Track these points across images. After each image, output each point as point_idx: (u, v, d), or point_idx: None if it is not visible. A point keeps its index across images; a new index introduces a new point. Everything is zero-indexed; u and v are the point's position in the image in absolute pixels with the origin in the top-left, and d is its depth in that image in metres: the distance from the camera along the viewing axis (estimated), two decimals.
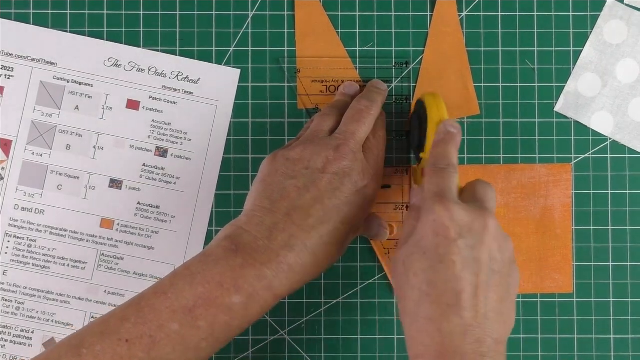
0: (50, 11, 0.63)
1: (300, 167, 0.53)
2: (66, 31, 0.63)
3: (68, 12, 0.63)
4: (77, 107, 0.63)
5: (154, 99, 0.63)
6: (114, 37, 0.63)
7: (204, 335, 0.50)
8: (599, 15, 0.63)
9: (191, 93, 0.64)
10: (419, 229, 0.50)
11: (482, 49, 0.64)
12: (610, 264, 0.64)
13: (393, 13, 0.63)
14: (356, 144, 0.55)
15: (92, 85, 0.63)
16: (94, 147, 0.63)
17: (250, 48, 0.64)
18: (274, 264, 0.51)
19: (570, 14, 0.64)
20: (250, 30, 0.64)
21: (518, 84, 0.64)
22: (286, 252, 0.51)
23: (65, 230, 0.63)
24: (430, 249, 0.49)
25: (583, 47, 0.64)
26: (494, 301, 0.48)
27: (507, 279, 0.50)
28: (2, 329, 0.63)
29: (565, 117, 0.64)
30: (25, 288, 0.63)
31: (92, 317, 0.63)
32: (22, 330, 0.63)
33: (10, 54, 0.63)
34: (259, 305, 0.51)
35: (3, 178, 0.63)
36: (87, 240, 0.63)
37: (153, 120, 0.63)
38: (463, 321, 0.47)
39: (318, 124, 0.57)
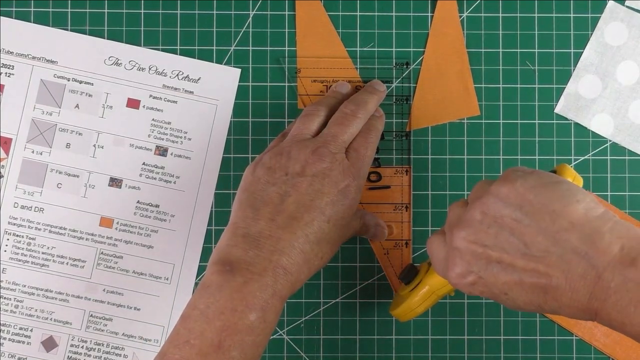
0: (50, 9, 0.63)
1: (280, 174, 0.54)
2: (67, 29, 0.63)
3: (69, 10, 0.63)
4: (77, 106, 0.63)
5: (154, 97, 0.63)
6: (114, 36, 0.63)
7: None
8: (600, 17, 0.63)
9: (191, 92, 0.63)
10: None
11: (483, 49, 0.64)
12: None
13: (394, 13, 0.63)
14: (337, 145, 0.55)
15: (92, 84, 0.63)
16: (94, 145, 0.63)
17: (250, 48, 0.64)
18: (270, 270, 0.51)
19: (571, 15, 0.64)
20: (250, 30, 0.64)
21: (518, 85, 0.64)
22: (277, 257, 0.51)
23: (65, 229, 0.63)
24: None
25: (583, 49, 0.64)
26: None
27: None
28: (1, 327, 0.63)
29: (566, 119, 0.64)
30: (24, 286, 0.63)
31: (91, 315, 0.63)
32: (20, 329, 0.63)
33: (11, 52, 0.63)
34: (273, 314, 0.51)
35: (3, 176, 0.63)
36: (87, 239, 0.63)
37: (153, 119, 0.63)
38: None
39: (299, 126, 0.57)
